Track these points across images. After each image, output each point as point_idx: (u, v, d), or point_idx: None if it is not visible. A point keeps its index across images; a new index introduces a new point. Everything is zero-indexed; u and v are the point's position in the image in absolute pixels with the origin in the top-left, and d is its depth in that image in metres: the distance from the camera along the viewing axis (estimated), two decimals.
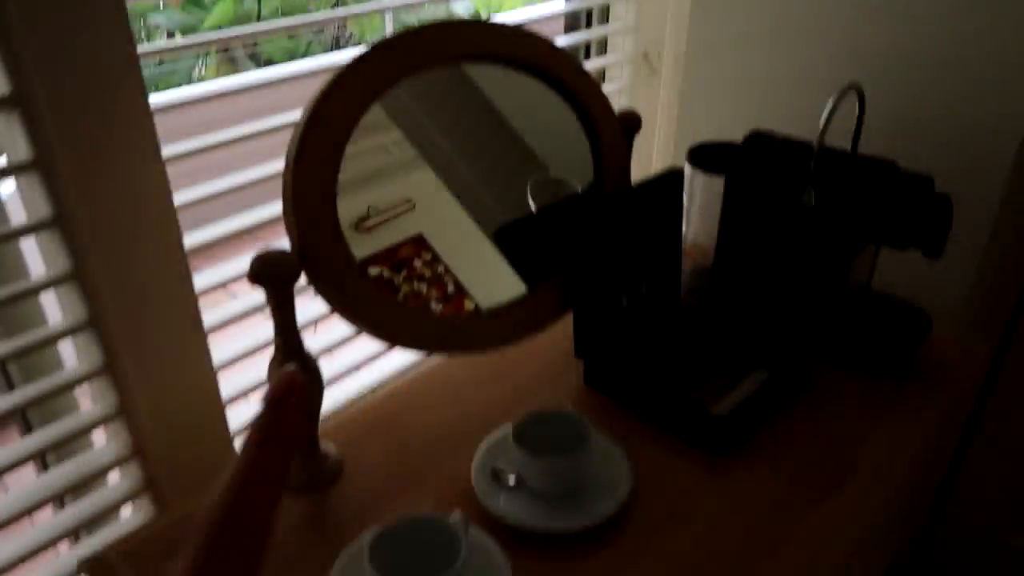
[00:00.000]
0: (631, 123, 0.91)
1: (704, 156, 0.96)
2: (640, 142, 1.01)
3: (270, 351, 0.68)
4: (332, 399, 0.94)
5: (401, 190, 0.83)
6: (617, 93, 1.31)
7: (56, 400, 0.84)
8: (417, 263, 0.80)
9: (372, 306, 0.68)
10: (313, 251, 0.64)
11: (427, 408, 0.82)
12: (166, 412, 0.80)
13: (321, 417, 0.81)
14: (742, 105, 1.15)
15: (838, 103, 0.78)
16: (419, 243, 0.82)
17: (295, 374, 0.30)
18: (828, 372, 0.87)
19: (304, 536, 0.68)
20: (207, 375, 0.83)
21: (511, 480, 0.70)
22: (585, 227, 0.79)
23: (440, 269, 0.81)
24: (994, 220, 0.94)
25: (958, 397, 0.86)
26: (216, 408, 0.85)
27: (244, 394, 0.89)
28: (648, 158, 1.37)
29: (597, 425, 0.78)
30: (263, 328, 0.83)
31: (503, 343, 0.78)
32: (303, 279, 0.64)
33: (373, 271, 0.77)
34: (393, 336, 0.69)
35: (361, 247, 0.77)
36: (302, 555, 0.66)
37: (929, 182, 0.81)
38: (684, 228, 1.01)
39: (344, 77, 0.65)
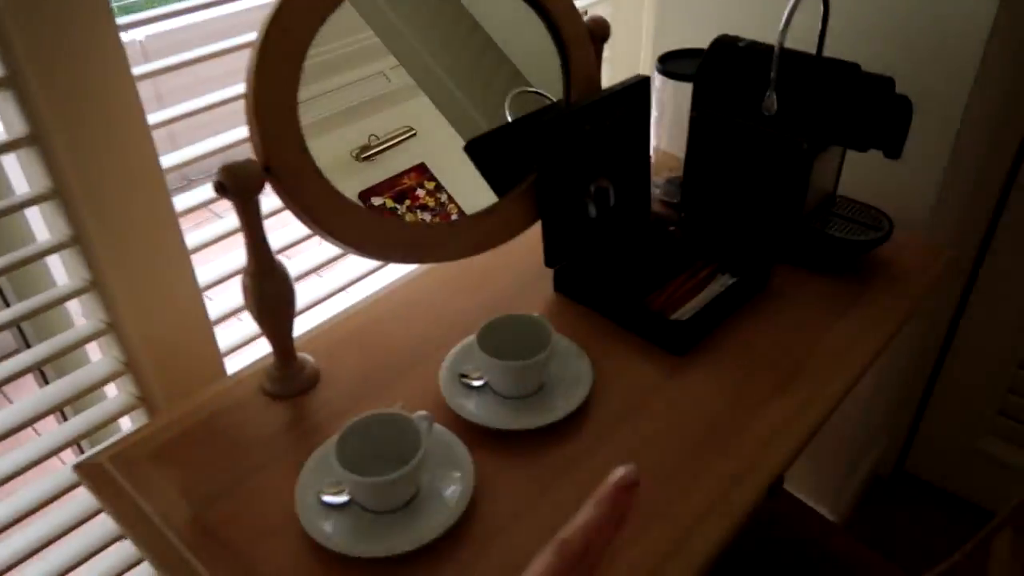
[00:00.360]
0: (600, 30, 0.91)
1: (676, 63, 0.96)
2: (627, 51, 1.01)
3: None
4: (316, 318, 0.97)
5: (402, 118, 0.84)
6: (604, 1, 1.29)
7: (52, 320, 0.89)
8: (420, 192, 0.82)
9: (337, 214, 0.70)
10: (277, 161, 0.66)
11: (402, 319, 0.85)
12: (154, 328, 0.83)
13: (303, 332, 0.85)
14: (726, 9, 1.14)
15: (797, 4, 0.77)
16: (422, 172, 0.83)
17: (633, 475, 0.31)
18: (792, 272, 0.89)
19: (283, 437, 0.72)
20: (193, 293, 0.86)
21: (476, 382, 0.73)
22: (547, 137, 0.80)
23: (444, 198, 0.83)
24: (958, 126, 0.95)
25: (918, 297, 0.88)
26: (204, 326, 0.89)
27: (233, 313, 0.92)
28: (635, 67, 1.36)
29: (565, 329, 0.81)
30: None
31: (471, 252, 0.81)
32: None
33: (376, 201, 0.79)
34: (360, 245, 0.72)
35: (363, 177, 0.78)
36: (281, 454, 0.70)
37: (890, 83, 0.81)
38: (657, 137, 1.02)
39: None
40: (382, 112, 0.83)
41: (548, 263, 0.87)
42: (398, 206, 0.79)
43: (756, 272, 0.85)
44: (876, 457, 1.46)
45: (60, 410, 0.86)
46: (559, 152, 0.82)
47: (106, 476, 0.69)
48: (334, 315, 0.86)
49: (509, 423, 0.70)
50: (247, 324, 0.95)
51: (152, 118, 0.77)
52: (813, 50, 0.85)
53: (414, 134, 0.84)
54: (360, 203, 0.74)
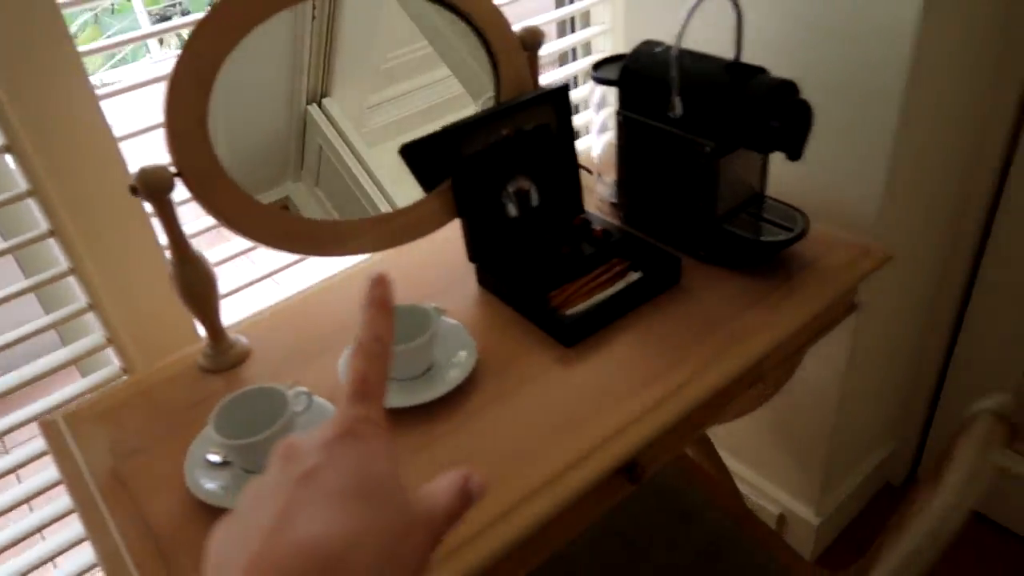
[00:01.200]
0: (532, 40, 0.96)
1: (612, 68, 1.00)
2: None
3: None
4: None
5: None
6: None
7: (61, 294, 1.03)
8: None
9: (244, 213, 0.80)
10: (186, 166, 0.77)
11: (335, 308, 0.94)
12: (130, 310, 0.96)
13: (246, 317, 0.95)
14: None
15: (694, 11, 0.80)
16: None
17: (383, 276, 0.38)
18: (709, 270, 0.92)
19: (205, 405, 0.82)
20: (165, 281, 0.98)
21: None
22: (454, 142, 0.87)
23: None
24: (895, 125, 0.94)
25: (835, 295, 0.88)
26: (179, 308, 1.00)
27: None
28: None
29: (482, 320, 0.88)
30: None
31: (387, 245, 0.89)
32: None
33: None
34: (268, 240, 0.81)
35: None
36: (199, 418, 0.80)
37: (791, 87, 0.82)
38: (603, 141, 1.06)
39: (213, 15, 0.76)
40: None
41: (471, 258, 0.93)
42: None
43: (663, 269, 0.89)
44: (879, 462, 1.43)
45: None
46: (469, 155, 0.88)
47: (57, 430, 0.82)
48: (276, 302, 0.96)
49: (392, 403, 0.78)
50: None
51: (117, 132, 0.90)
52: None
53: None
54: (268, 205, 0.83)
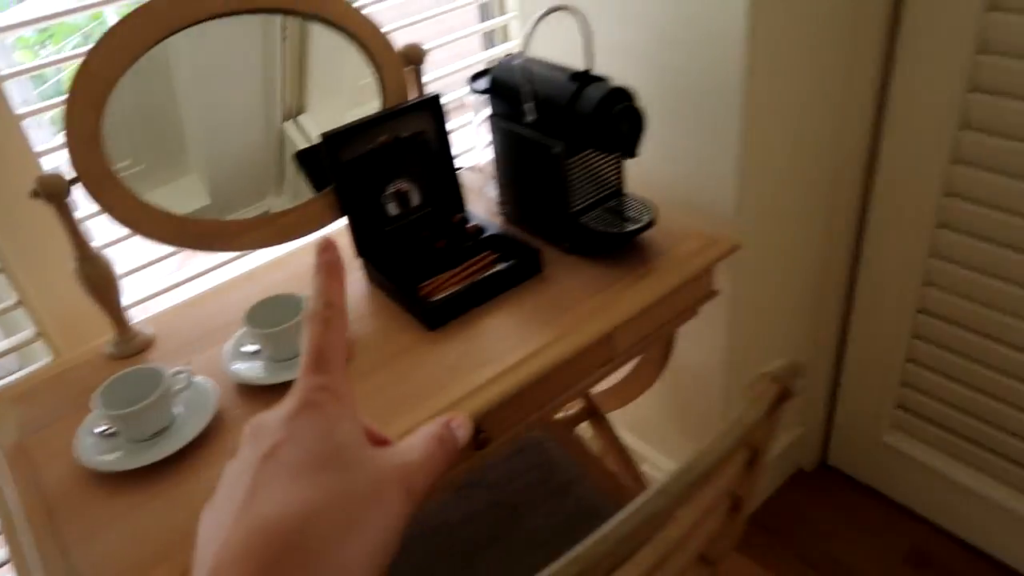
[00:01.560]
0: (414, 55, 1.06)
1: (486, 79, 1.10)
2: None
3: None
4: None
5: None
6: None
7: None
8: None
9: (133, 214, 0.90)
10: (82, 173, 0.87)
11: (237, 301, 1.04)
12: (56, 307, 1.06)
13: (162, 310, 1.05)
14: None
15: (540, 21, 0.90)
16: None
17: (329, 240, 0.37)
18: (570, 260, 1.01)
19: None
20: None
21: (249, 349, 0.91)
22: (331, 148, 0.97)
23: None
24: (740, 124, 1.03)
25: (684, 280, 0.96)
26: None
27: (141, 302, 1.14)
28: None
29: (369, 308, 0.98)
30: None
31: (274, 243, 0.98)
32: None
33: None
34: (157, 236, 0.92)
35: None
36: None
37: (624, 94, 0.92)
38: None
39: (103, 41, 0.87)
40: None
41: (357, 254, 1.03)
42: None
43: (526, 260, 0.98)
44: (786, 447, 1.51)
45: None
46: (349, 160, 0.98)
47: None
48: (187, 299, 1.06)
49: (269, 379, 0.87)
50: (148, 306, 1.17)
51: (38, 149, 1.01)
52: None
53: None
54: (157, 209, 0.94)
